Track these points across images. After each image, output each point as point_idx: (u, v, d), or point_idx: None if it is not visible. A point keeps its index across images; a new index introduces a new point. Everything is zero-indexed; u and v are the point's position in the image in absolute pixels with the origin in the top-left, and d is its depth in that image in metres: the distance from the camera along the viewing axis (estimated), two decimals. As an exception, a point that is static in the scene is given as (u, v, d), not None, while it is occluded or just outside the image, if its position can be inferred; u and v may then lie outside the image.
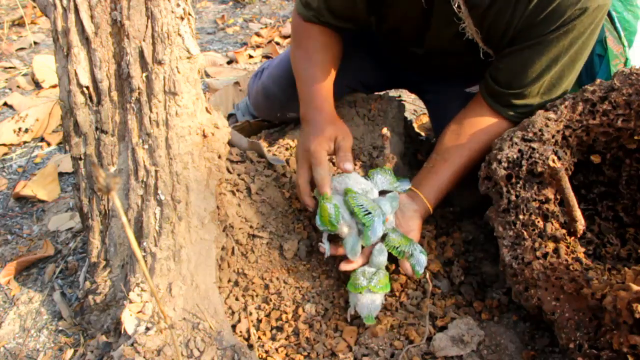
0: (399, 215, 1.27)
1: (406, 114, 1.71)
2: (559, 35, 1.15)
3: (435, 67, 1.55)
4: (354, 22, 1.42)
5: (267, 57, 2.99)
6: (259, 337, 1.23)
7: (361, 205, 1.18)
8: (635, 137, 1.18)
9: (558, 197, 1.18)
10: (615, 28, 1.35)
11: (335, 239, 1.27)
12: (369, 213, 1.18)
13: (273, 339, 1.23)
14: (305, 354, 1.18)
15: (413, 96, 2.22)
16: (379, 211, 1.19)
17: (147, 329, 1.07)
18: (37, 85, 2.70)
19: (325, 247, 1.24)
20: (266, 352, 1.19)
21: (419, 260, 1.20)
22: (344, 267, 1.23)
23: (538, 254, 1.12)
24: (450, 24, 1.22)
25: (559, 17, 1.13)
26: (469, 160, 1.32)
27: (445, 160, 1.32)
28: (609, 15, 1.36)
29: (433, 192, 1.31)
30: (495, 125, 1.31)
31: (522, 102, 1.27)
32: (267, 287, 1.31)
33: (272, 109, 1.75)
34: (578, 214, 1.12)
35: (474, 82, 1.43)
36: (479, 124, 1.32)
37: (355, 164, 1.48)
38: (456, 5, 1.17)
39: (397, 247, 1.20)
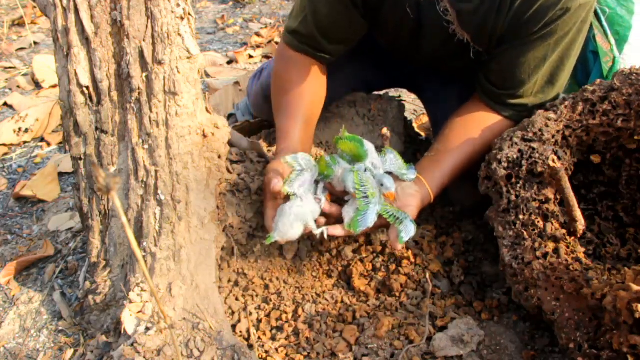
0: (399, 192, 1.24)
1: (406, 114, 1.71)
2: (544, 34, 1.17)
3: (434, 69, 1.56)
4: (348, 41, 1.39)
5: (267, 57, 2.99)
6: (259, 337, 1.23)
7: (363, 185, 1.15)
8: (635, 137, 1.18)
9: (558, 197, 1.18)
10: (602, 26, 1.35)
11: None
12: (367, 197, 1.14)
13: (273, 339, 1.23)
14: (305, 354, 1.18)
15: (413, 96, 2.22)
16: (377, 199, 1.16)
17: (147, 329, 1.07)
18: (37, 85, 2.70)
19: (322, 199, 1.21)
20: (266, 352, 1.19)
21: (407, 228, 1.15)
22: (334, 232, 1.19)
23: (538, 254, 1.12)
24: (441, 29, 1.24)
25: (542, 18, 1.15)
26: (470, 154, 1.31)
27: (447, 151, 1.31)
28: (596, 12, 1.37)
29: (435, 180, 1.29)
30: (495, 123, 1.31)
31: (517, 102, 1.28)
32: (267, 287, 1.31)
33: (272, 109, 1.74)
34: (578, 214, 1.12)
35: (472, 83, 1.43)
36: (480, 119, 1.33)
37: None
38: (442, 10, 1.19)
39: (389, 212, 1.16)
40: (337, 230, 1.19)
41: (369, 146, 1.24)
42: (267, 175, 1.21)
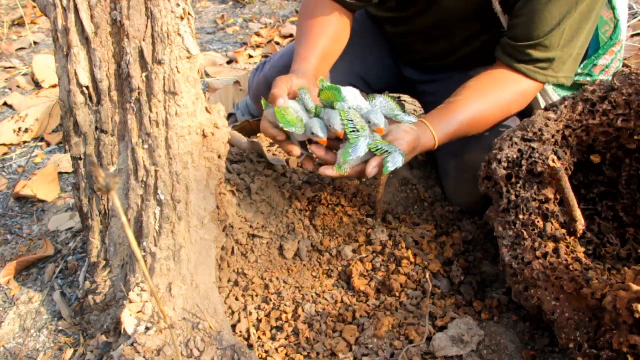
0: (393, 129, 1.15)
1: (406, 114, 1.71)
2: None
3: (440, 50, 1.54)
4: None
5: (266, 57, 2.99)
6: (259, 337, 1.23)
7: (351, 120, 1.10)
8: (635, 137, 1.18)
9: (558, 197, 1.18)
10: None
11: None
12: (357, 131, 1.09)
13: (273, 339, 1.23)
14: (305, 354, 1.18)
15: (413, 96, 2.22)
16: (367, 132, 1.10)
17: (147, 329, 1.07)
18: (37, 85, 2.71)
19: (299, 151, 1.16)
20: (266, 352, 1.19)
21: (395, 158, 1.07)
22: (326, 172, 1.12)
23: (538, 254, 1.12)
24: None
25: None
26: (484, 109, 1.25)
27: (458, 102, 1.25)
28: None
29: (441, 125, 1.21)
30: (514, 81, 1.26)
31: (542, 55, 1.23)
32: (267, 287, 1.31)
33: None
34: (578, 214, 1.12)
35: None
36: (498, 77, 1.28)
37: None
38: None
39: (378, 146, 1.09)
40: (328, 171, 1.12)
41: (355, 92, 1.19)
42: (275, 89, 1.14)
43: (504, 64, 1.28)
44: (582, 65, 1.40)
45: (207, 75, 2.73)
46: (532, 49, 1.23)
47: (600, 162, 1.26)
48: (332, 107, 1.15)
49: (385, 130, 1.12)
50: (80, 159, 1.22)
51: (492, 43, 1.34)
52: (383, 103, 1.19)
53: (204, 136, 1.20)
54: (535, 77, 1.26)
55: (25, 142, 2.25)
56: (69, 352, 1.25)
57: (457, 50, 1.51)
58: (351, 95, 1.17)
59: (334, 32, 1.35)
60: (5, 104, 2.55)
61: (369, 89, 1.67)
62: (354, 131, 1.09)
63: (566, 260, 1.10)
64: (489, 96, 1.25)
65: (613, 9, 1.33)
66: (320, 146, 1.14)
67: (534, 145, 1.18)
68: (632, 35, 2.53)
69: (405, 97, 2.17)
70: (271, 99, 1.14)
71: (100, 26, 1.11)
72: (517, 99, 1.28)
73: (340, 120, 1.10)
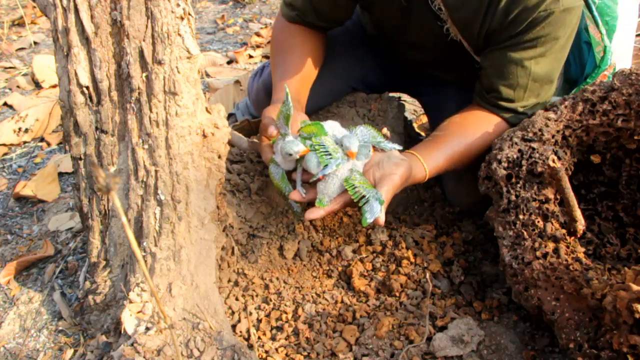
0: (384, 160, 1.15)
1: (406, 114, 1.71)
2: (530, 37, 1.18)
3: (428, 75, 1.57)
4: (337, 22, 1.47)
5: (267, 57, 2.99)
6: (259, 337, 1.23)
7: (323, 145, 1.11)
8: (635, 137, 1.18)
9: (558, 197, 1.18)
10: (593, 16, 1.35)
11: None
12: (329, 155, 1.10)
13: (273, 339, 1.23)
14: (305, 354, 1.18)
15: (413, 96, 2.22)
16: (340, 155, 1.11)
17: (147, 329, 1.07)
18: (37, 85, 2.70)
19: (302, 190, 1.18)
20: (266, 352, 1.19)
21: (372, 208, 1.07)
22: (310, 215, 1.13)
23: (538, 254, 1.12)
24: (429, 20, 1.28)
25: (526, 18, 1.16)
26: (468, 144, 1.28)
27: (444, 136, 1.28)
28: (587, 3, 1.37)
29: (431, 158, 1.23)
30: (492, 121, 1.30)
31: (511, 106, 1.27)
32: (267, 287, 1.31)
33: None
34: (578, 214, 1.12)
35: (470, 87, 1.43)
36: (477, 117, 1.32)
37: None
38: (436, 8, 1.23)
39: (355, 187, 1.09)
40: (312, 214, 1.13)
41: (334, 124, 1.21)
42: (263, 120, 1.21)
43: (481, 106, 1.32)
44: (571, 94, 1.42)
45: (207, 75, 2.73)
46: (499, 100, 1.28)
47: (600, 162, 1.26)
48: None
49: (356, 154, 1.12)
50: (80, 159, 1.22)
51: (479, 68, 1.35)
52: (364, 132, 1.20)
53: (204, 136, 1.20)
54: (510, 120, 1.30)
55: (25, 142, 2.25)
56: (69, 352, 1.25)
57: (446, 74, 1.54)
58: (329, 127, 1.19)
59: (308, 55, 1.40)
60: (5, 104, 2.55)
61: (370, 90, 1.67)
62: (325, 154, 1.10)
63: (566, 260, 1.10)
64: (474, 133, 1.29)
65: (601, 33, 1.34)
66: (298, 193, 1.17)
67: (534, 145, 1.18)
68: (632, 35, 2.53)
69: (405, 97, 2.17)
70: (262, 130, 1.19)
71: (100, 26, 1.11)
72: (498, 134, 1.31)
73: (316, 159, 1.11)
